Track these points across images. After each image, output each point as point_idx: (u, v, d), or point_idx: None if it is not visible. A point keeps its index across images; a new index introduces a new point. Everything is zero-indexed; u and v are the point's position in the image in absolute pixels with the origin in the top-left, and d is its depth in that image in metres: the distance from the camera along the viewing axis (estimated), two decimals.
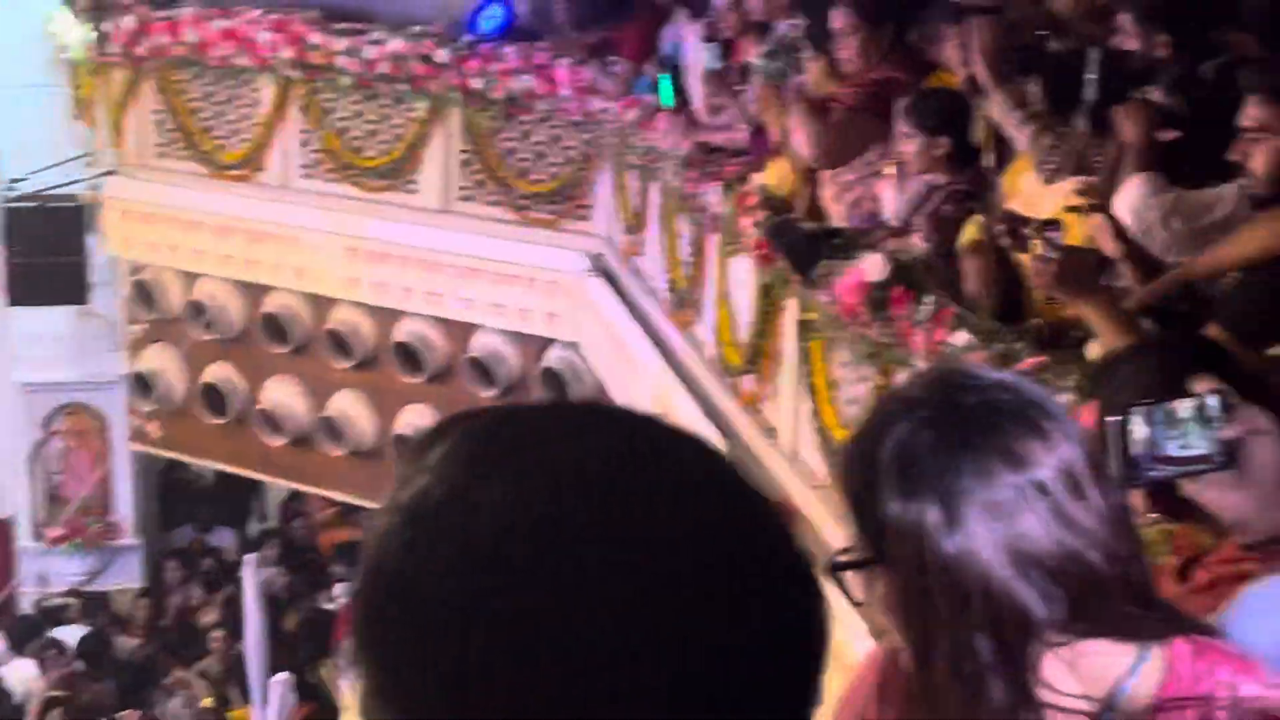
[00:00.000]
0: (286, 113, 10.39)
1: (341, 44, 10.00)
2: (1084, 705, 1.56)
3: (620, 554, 0.92)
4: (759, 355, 6.43)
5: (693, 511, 0.95)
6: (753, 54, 6.27)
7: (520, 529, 0.93)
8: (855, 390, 5.33)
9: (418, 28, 9.94)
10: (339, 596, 11.10)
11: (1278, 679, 1.52)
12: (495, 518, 0.93)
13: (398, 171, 10.08)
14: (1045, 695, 1.56)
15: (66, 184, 11.52)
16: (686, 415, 7.22)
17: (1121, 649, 1.56)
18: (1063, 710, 1.57)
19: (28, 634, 12.04)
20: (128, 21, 10.87)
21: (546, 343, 9.73)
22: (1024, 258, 3.61)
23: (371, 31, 10.03)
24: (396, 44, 9.83)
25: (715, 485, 0.98)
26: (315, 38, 10.08)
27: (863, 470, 1.62)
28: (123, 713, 10.69)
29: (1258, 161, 3.39)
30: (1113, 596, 1.55)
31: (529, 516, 0.93)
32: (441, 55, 9.71)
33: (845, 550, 1.64)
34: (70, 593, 12.96)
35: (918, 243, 4.87)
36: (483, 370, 9.90)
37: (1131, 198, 3.69)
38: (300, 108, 10.35)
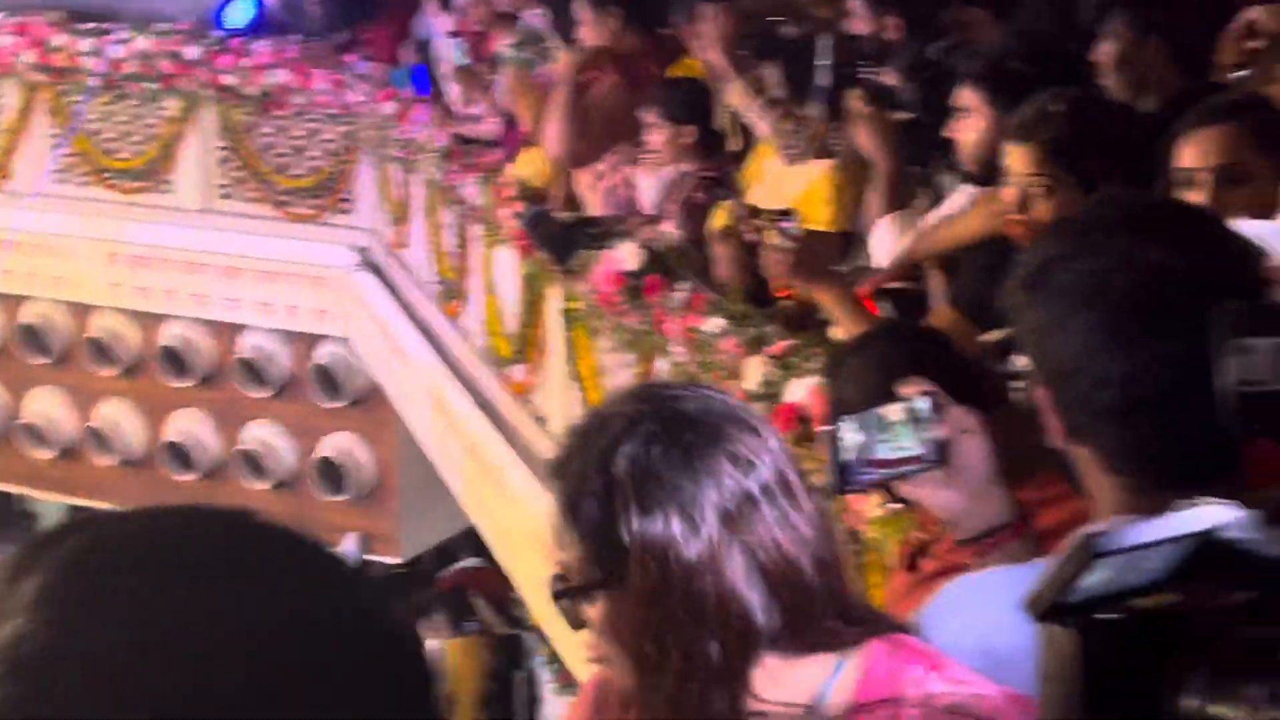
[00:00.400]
0: (33, 117, 10.08)
1: (86, 44, 9.73)
2: (789, 713, 1.59)
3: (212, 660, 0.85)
4: (527, 345, 6.45)
5: (318, 638, 0.89)
6: (502, 45, 6.26)
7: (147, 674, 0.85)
8: (621, 377, 5.38)
9: (165, 25, 9.71)
10: None
11: (967, 675, 1.57)
12: (113, 660, 0.85)
13: (153, 172, 9.86)
14: (754, 705, 1.59)
15: None
16: (459, 406, 7.22)
17: (823, 657, 1.60)
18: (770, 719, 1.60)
19: None
20: None
21: (317, 339, 9.61)
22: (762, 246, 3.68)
23: (118, 30, 9.77)
24: (144, 42, 9.59)
25: (306, 580, 0.93)
26: (58, 39, 9.79)
27: (595, 494, 1.61)
28: None
29: (967, 142, 3.50)
30: (817, 606, 1.59)
31: (149, 658, 0.85)
32: (191, 52, 9.51)
33: (561, 578, 1.65)
34: None
35: (670, 230, 4.92)
36: (253, 370, 9.75)
37: (884, 242, 3.79)
38: (48, 111, 10.05)
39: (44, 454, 10.50)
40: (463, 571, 11.45)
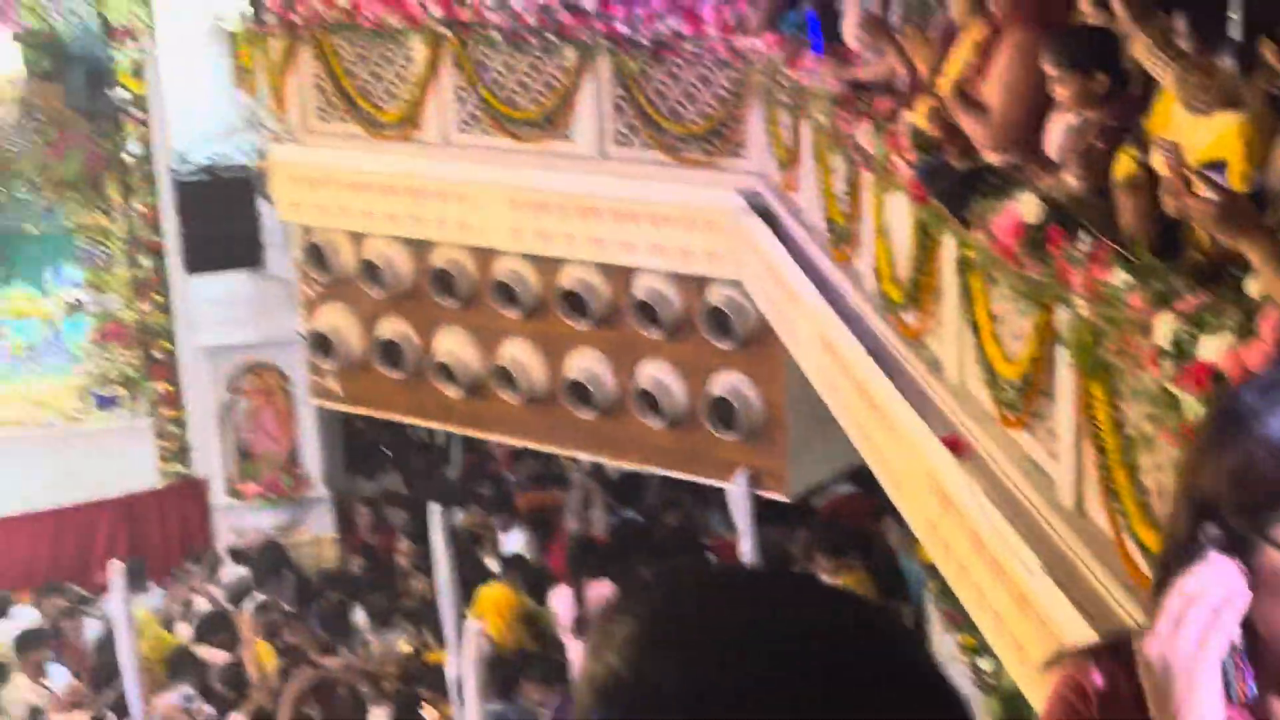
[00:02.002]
0: (440, 70, 10.59)
1: None
2: None
3: None
4: (919, 290, 6.49)
5: (874, 693, 1.03)
6: None
7: (699, 712, 1.02)
8: (1018, 325, 5.38)
9: None
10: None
11: None
12: (678, 700, 1.02)
13: (553, 121, 10.24)
14: None
15: (234, 153, 11.88)
16: (848, 349, 7.32)
17: None
18: None
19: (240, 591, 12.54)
20: None
21: (708, 281, 9.85)
22: (1180, 195, 3.64)
23: None
24: None
25: (891, 664, 1.06)
26: None
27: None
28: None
29: None
30: None
31: (707, 699, 1.02)
32: (587, 3, 9.82)
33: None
34: (263, 543, 13.48)
35: (1071, 180, 4.89)
36: (647, 311, 10.06)
37: None
38: (453, 64, 10.55)
39: (454, 391, 11.09)
40: (838, 499, 11.61)
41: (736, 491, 9.63)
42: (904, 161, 6.18)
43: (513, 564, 11.83)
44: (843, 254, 7.78)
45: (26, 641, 11.78)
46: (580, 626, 10.59)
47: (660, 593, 1.11)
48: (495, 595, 10.83)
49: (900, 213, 6.63)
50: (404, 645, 11.15)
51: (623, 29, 9.71)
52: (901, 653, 1.07)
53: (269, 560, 13.07)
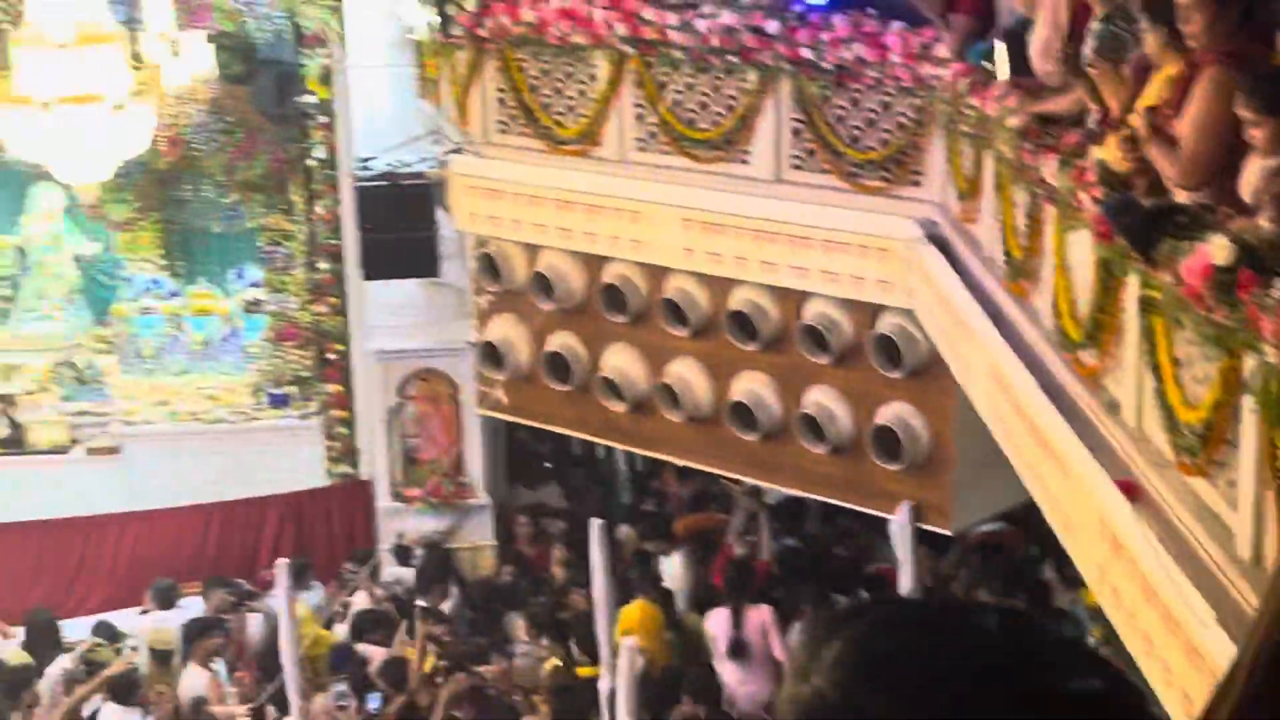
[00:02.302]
0: (621, 88, 10.66)
1: (674, 18, 10.21)
2: None
3: None
4: (1099, 330, 6.36)
5: None
6: (1091, 24, 6.18)
7: None
8: (1202, 370, 5.25)
9: (748, 0, 10.06)
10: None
11: None
12: None
13: (730, 142, 10.24)
14: None
15: (415, 162, 12.07)
16: (1022, 385, 7.20)
17: None
18: None
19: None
20: (470, 2, 11.30)
21: (879, 309, 9.77)
22: None
23: (703, 5, 10.20)
24: (728, 17, 9.97)
25: (1104, 705, 1.05)
26: (649, 13, 10.31)
27: None
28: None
29: None
30: None
31: None
32: (772, 26, 9.81)
33: None
34: (423, 544, 13.65)
35: (1265, 224, 4.76)
36: (816, 337, 10.01)
37: None
38: (634, 82, 10.60)
39: (618, 406, 11.13)
40: (988, 534, 11.47)
41: (899, 523, 9.53)
42: (1090, 197, 6.06)
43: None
44: (1020, 288, 7.65)
45: (196, 630, 12.05)
46: (736, 649, 10.57)
47: (871, 618, 1.12)
48: (641, 612, 10.85)
49: (1083, 249, 6.50)
50: (555, 658, 11.21)
51: (806, 53, 9.67)
52: (1117, 693, 1.06)
53: (434, 565, 13.24)
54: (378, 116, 13.12)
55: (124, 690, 11.22)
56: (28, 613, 12.76)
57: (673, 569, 12.42)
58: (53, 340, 16.66)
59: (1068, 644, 1.08)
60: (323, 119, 14.00)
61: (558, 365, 11.41)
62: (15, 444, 15.38)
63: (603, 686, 9.38)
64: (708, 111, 10.32)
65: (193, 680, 11.50)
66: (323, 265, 14.51)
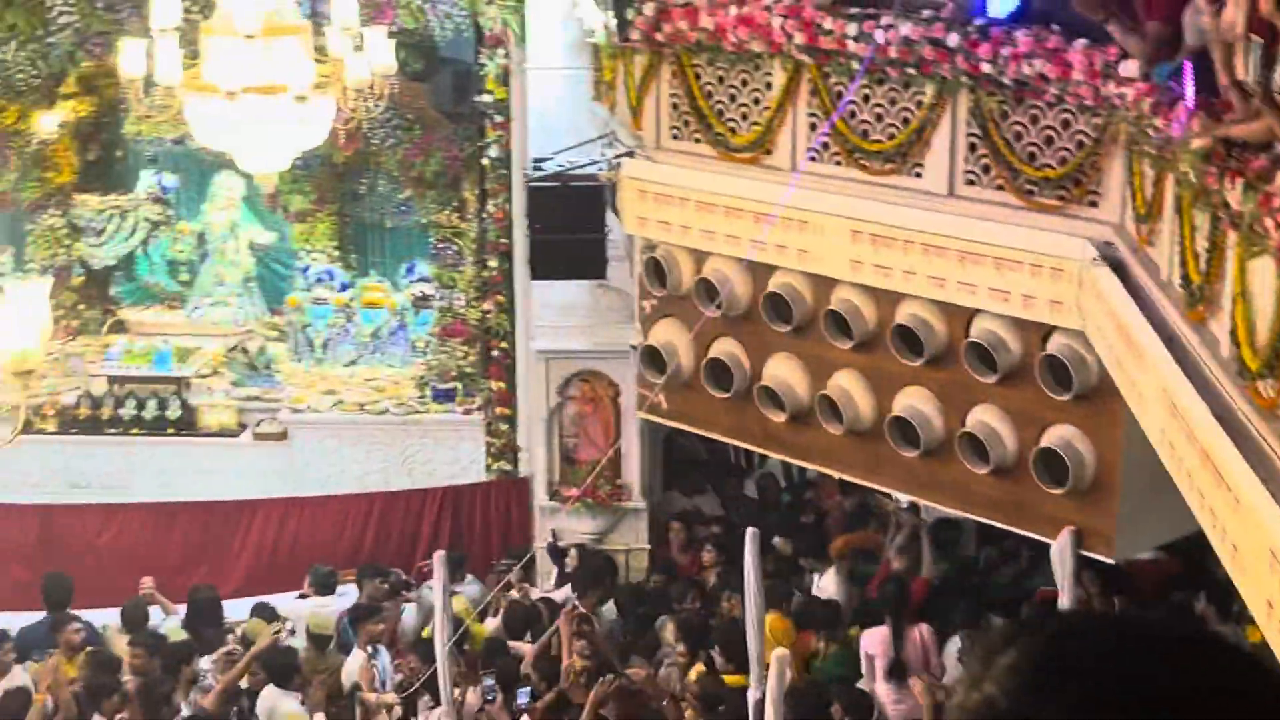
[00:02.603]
0: (796, 97, 10.61)
1: (853, 29, 10.14)
2: None
3: None
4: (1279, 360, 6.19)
5: None
6: None
7: None
8: None
9: (927, 12, 9.95)
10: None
11: None
12: None
13: (903, 155, 10.14)
14: None
15: (587, 164, 12.14)
16: (1196, 413, 7.02)
17: None
18: None
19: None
20: (649, 7, 11.34)
21: (1049, 330, 9.60)
22: None
23: (882, 16, 10.11)
24: (907, 28, 9.88)
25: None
26: (827, 22, 10.25)
27: None
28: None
29: None
30: None
31: None
32: (951, 39, 9.69)
33: None
34: (576, 546, 13.73)
35: None
36: (982, 355, 9.87)
37: None
38: (810, 91, 10.55)
39: (778, 416, 11.08)
40: (1141, 562, 11.25)
41: (1060, 549, 9.36)
42: (1275, 224, 5.89)
43: (815, 600, 11.81)
44: (1198, 314, 7.46)
45: (362, 615, 12.26)
46: (894, 669, 10.47)
47: (1049, 630, 1.10)
48: (776, 625, 10.81)
49: (1265, 277, 6.33)
50: (700, 666, 11.20)
51: (986, 67, 9.54)
52: None
53: (591, 567, 13.32)
54: (552, 118, 13.23)
55: (283, 673, 11.43)
56: (191, 590, 13.05)
57: (826, 584, 12.35)
58: (227, 326, 17.06)
59: (1253, 665, 1.04)
60: (498, 118, 14.15)
61: (719, 372, 11.39)
62: (187, 426, 15.77)
63: (751, 696, 9.35)
64: (882, 123, 10.23)
65: (354, 665, 11.68)
66: (492, 263, 14.66)
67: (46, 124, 16.69)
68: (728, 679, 10.91)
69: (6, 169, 16.62)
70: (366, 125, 15.84)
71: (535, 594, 13.27)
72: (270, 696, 11.31)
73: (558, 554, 13.77)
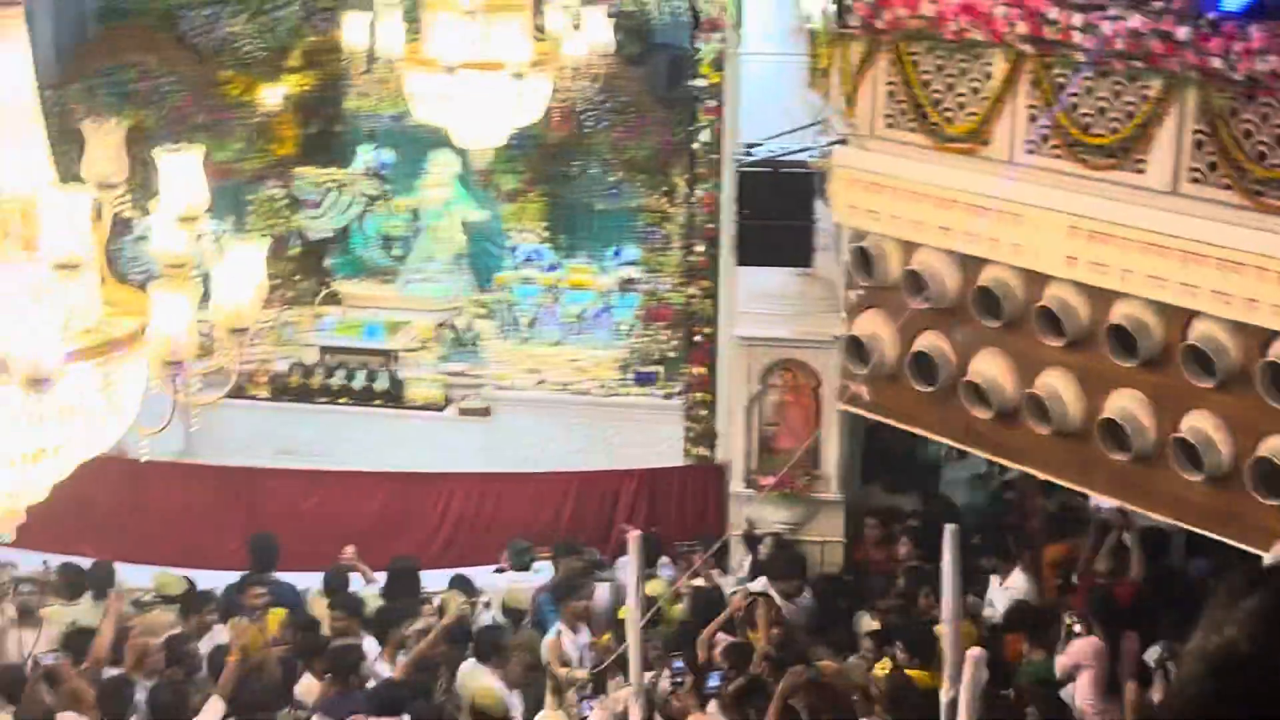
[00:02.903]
0: (1017, 88, 10.39)
1: (1078, 19, 9.89)
2: None
3: None
4: None
5: None
6: None
7: None
8: None
9: (1158, 4, 9.67)
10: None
11: None
12: None
13: (1125, 150, 9.86)
14: None
15: (798, 151, 12.05)
16: None
17: None
18: None
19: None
20: None
21: (1271, 335, 9.27)
22: None
23: (1109, 7, 9.85)
24: (1135, 20, 9.60)
25: None
26: (1052, 13, 10.02)
27: None
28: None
29: None
30: None
31: None
32: (1181, 33, 9.40)
33: None
34: (774, 536, 13.67)
35: None
36: (1200, 359, 9.57)
37: None
38: (1030, 83, 10.32)
39: (983, 413, 10.88)
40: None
41: (1271, 560, 9.04)
42: None
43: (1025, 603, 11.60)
44: None
45: (564, 592, 12.39)
46: (1103, 680, 10.24)
47: None
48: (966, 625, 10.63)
49: None
50: (886, 661, 11.08)
51: (1216, 63, 9.24)
52: None
53: (786, 557, 13.27)
54: (765, 104, 13.16)
55: (487, 648, 11.59)
56: (391, 560, 13.28)
57: (1017, 583, 12.15)
58: (436, 302, 17.34)
59: None
60: (711, 103, 14.12)
61: (924, 366, 11.22)
62: (393, 398, 16.06)
63: (944, 696, 9.19)
64: (1105, 117, 9.97)
65: (551, 641, 11.78)
66: (698, 248, 14.65)
67: (271, 97, 17.13)
68: (916, 676, 10.78)
69: (231, 139, 17.09)
70: (581, 107, 16.00)
71: (729, 582, 13.25)
72: (471, 670, 11.48)
73: (752, 542, 13.72)
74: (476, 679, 11.38)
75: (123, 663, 11.58)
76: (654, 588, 12.39)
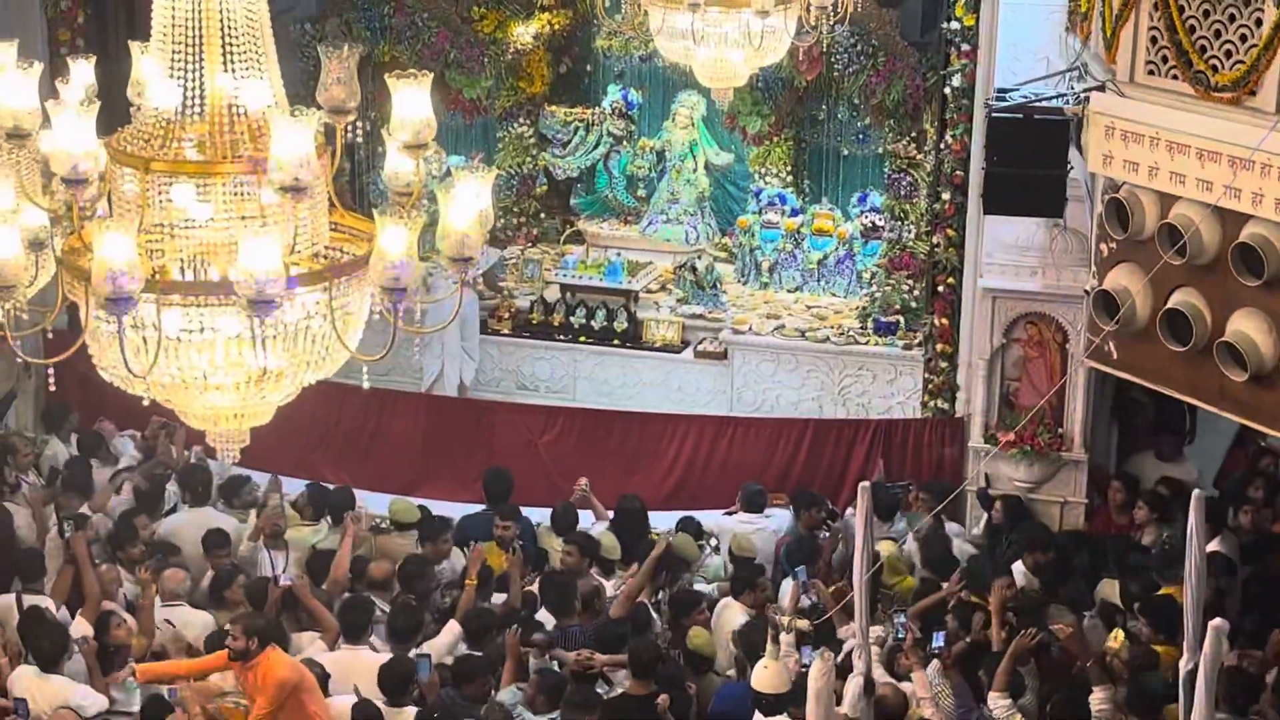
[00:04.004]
0: None
1: None
2: None
3: None
4: None
5: None
6: None
7: None
8: None
9: None
10: None
11: None
12: None
13: None
14: None
15: (1053, 97, 11.63)
16: None
17: None
18: None
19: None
20: None
21: None
22: None
23: None
24: None
25: None
26: None
27: None
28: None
29: None
30: None
31: None
32: None
33: None
34: (1005, 499, 13.33)
35: None
36: None
37: None
38: None
39: (1238, 375, 10.38)
40: None
41: None
42: None
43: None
44: None
45: (806, 543, 12.35)
46: None
47: None
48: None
49: None
50: (1119, 631, 10.71)
51: None
52: None
53: (1015, 515, 12.97)
54: (1021, 48, 12.74)
55: (741, 584, 11.61)
56: (620, 499, 13.31)
57: None
58: (678, 243, 17.29)
59: None
60: (965, 47, 13.71)
61: (1176, 324, 10.74)
62: (633, 339, 16.08)
63: (1183, 667, 8.84)
64: None
65: (786, 588, 11.71)
66: (945, 196, 14.28)
67: (522, 34, 17.22)
68: (1159, 649, 10.41)
69: (482, 77, 17.24)
70: (829, 49, 15.72)
71: (958, 538, 12.98)
72: (727, 605, 11.54)
73: (987, 500, 13.40)
74: (734, 615, 11.39)
75: (360, 585, 11.85)
76: (888, 547, 12.17)
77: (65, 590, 11.61)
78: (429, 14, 16.95)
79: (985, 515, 13.31)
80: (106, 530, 12.66)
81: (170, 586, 11.70)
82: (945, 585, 11.61)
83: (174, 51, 5.18)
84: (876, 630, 10.65)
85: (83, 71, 5.73)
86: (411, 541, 12.73)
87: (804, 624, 10.65)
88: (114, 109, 5.64)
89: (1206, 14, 10.35)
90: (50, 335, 5.80)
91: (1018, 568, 11.92)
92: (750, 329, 15.83)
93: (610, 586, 11.92)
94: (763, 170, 17.11)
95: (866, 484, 9.68)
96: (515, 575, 11.87)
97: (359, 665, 10.74)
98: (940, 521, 12.72)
